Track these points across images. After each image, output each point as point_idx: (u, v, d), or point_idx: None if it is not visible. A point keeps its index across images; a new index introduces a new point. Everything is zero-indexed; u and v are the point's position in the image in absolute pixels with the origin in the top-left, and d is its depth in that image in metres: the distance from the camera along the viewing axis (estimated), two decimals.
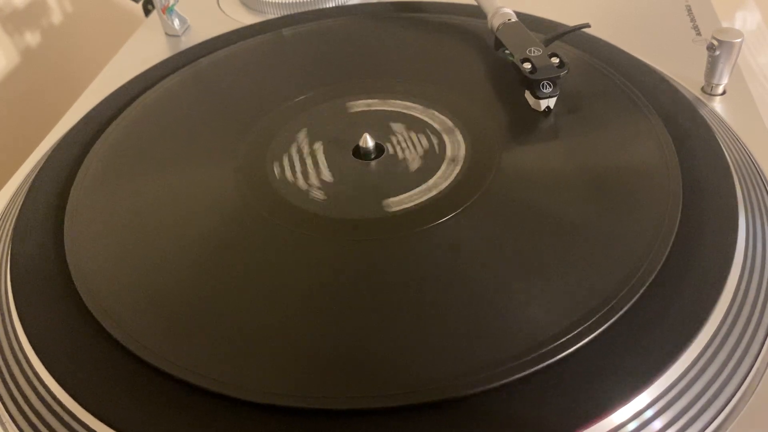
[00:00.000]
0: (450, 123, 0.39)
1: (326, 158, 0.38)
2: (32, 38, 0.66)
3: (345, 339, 0.28)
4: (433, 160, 0.37)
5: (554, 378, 0.26)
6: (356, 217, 0.34)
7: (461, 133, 0.38)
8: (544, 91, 0.38)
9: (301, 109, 0.42)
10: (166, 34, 0.57)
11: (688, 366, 0.27)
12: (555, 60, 0.39)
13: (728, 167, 0.34)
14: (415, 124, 0.39)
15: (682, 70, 0.44)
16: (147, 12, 0.64)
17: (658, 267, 0.29)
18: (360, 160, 0.37)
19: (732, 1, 0.63)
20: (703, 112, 0.39)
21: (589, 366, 0.26)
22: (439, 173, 0.36)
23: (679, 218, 0.31)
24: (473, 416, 0.25)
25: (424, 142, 0.38)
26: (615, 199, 0.33)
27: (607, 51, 0.44)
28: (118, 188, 0.37)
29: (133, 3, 0.65)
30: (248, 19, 0.57)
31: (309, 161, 0.38)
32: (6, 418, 0.29)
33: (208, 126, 0.42)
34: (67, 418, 0.27)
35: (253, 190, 0.36)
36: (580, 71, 0.42)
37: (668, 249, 0.30)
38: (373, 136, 0.38)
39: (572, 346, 0.27)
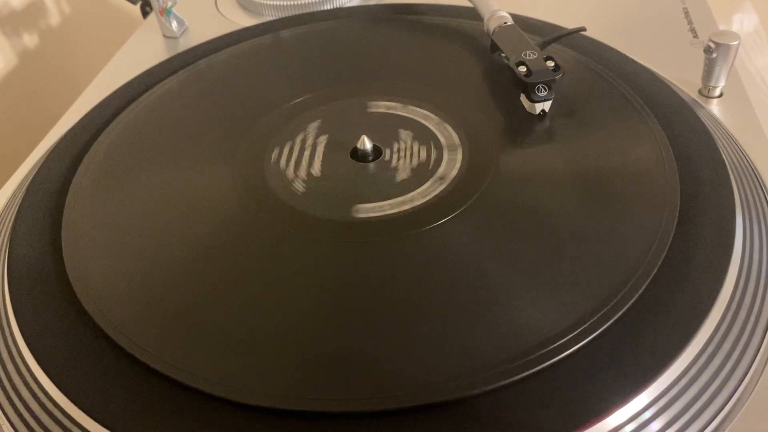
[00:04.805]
0: (456, 140, 0.38)
1: (324, 153, 0.38)
2: (30, 40, 0.66)
3: (341, 341, 0.28)
4: (422, 174, 0.36)
5: (552, 380, 0.26)
6: (345, 220, 0.34)
7: (462, 151, 0.37)
8: (540, 94, 0.38)
9: (310, 107, 0.42)
10: (164, 35, 0.57)
11: (686, 367, 0.27)
12: (550, 63, 0.39)
13: (725, 169, 0.34)
14: (421, 135, 0.39)
15: (680, 73, 0.44)
16: (145, 14, 0.64)
17: (656, 269, 0.29)
18: (354, 161, 0.38)
19: (729, 3, 0.63)
20: (700, 114, 0.39)
21: (586, 368, 0.26)
22: (420, 189, 0.35)
23: (676, 220, 0.32)
24: (469, 418, 0.25)
25: (423, 155, 0.38)
26: (612, 201, 0.33)
27: (604, 53, 0.44)
28: (115, 190, 0.37)
29: (131, 5, 0.65)
30: (246, 21, 0.57)
31: (307, 153, 0.38)
32: (3, 420, 0.29)
33: (206, 127, 0.42)
34: (63, 419, 0.27)
35: (247, 188, 0.36)
36: (578, 74, 0.42)
37: (665, 251, 0.30)
38: (376, 139, 0.38)
39: (570, 348, 0.27)
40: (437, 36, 0.48)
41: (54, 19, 0.69)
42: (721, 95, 0.42)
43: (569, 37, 0.43)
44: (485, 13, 0.45)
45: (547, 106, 0.39)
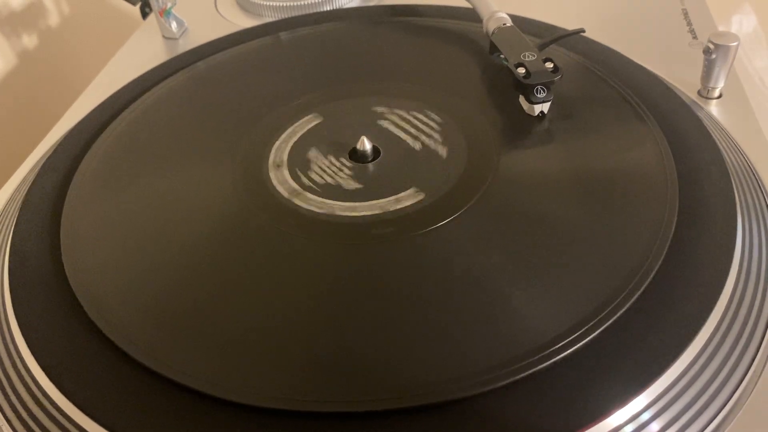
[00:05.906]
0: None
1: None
2: (30, 40, 0.66)
3: (341, 342, 0.28)
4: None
5: (551, 381, 0.26)
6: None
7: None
8: (538, 96, 0.38)
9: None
10: (164, 36, 0.57)
11: (686, 368, 0.27)
12: (549, 65, 0.39)
13: (725, 170, 0.34)
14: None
15: (679, 74, 0.44)
16: (144, 15, 0.64)
17: (655, 270, 0.29)
18: (354, 162, 0.38)
19: (728, 4, 0.63)
20: (699, 115, 0.39)
21: (586, 369, 0.26)
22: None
23: (675, 221, 0.32)
24: (469, 418, 0.25)
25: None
26: (612, 202, 0.33)
27: (603, 54, 0.44)
28: (115, 190, 0.37)
29: (131, 5, 0.65)
30: (245, 22, 0.57)
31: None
32: (2, 421, 0.29)
33: (206, 129, 0.42)
34: (62, 419, 0.27)
35: (247, 189, 0.36)
36: (577, 75, 0.42)
37: (665, 252, 0.30)
38: (375, 140, 0.38)
39: (569, 349, 0.27)
40: (437, 37, 0.48)
41: (54, 19, 0.69)
42: (720, 96, 0.42)
43: (568, 38, 0.43)
44: (484, 15, 0.45)
45: (545, 107, 0.39)
